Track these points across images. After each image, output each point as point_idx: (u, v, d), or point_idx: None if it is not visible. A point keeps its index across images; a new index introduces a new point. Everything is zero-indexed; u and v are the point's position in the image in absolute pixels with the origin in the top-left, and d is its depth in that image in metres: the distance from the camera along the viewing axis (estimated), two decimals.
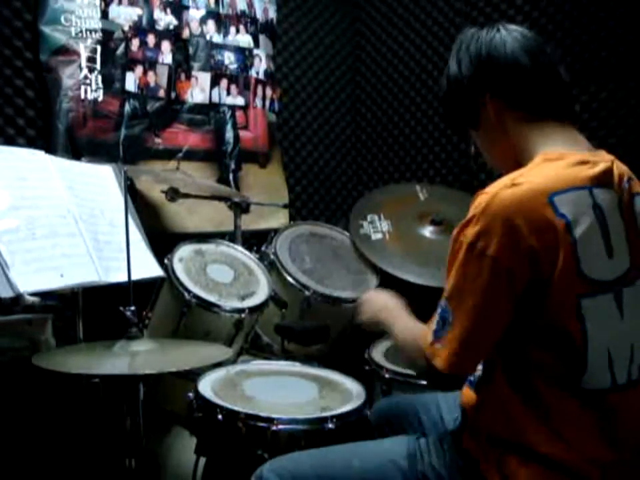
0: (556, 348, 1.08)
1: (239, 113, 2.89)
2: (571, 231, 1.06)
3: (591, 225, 1.07)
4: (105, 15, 2.49)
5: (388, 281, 2.41)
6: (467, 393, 1.27)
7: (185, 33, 2.71)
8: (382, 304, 1.46)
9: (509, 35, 1.22)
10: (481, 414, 1.19)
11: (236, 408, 1.47)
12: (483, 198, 1.10)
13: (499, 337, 1.12)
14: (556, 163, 1.13)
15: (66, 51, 2.41)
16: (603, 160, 1.16)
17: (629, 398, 1.12)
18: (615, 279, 1.09)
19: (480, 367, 1.24)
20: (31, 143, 2.37)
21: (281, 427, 1.43)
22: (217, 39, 2.80)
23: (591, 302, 1.07)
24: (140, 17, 2.58)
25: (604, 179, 1.12)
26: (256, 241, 2.58)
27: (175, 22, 2.68)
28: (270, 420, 1.43)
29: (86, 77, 2.45)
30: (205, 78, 2.77)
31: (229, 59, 2.84)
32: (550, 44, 1.27)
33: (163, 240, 2.15)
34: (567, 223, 1.05)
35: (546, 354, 1.09)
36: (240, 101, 2.89)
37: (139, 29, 2.58)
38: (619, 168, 1.17)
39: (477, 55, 1.22)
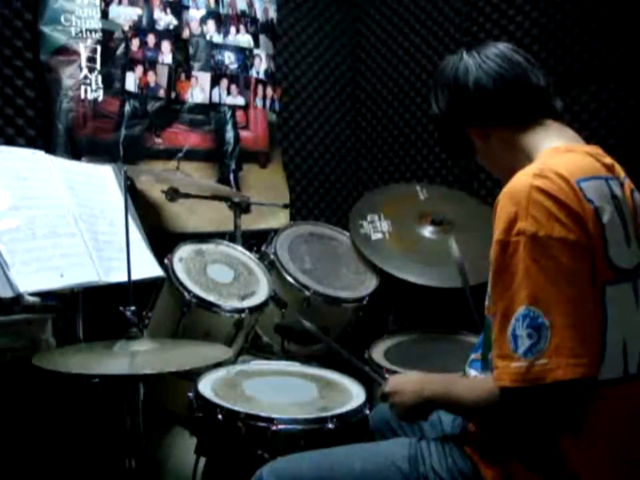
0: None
1: (239, 113, 2.89)
2: (599, 216, 1.05)
3: (612, 213, 1.07)
4: (105, 14, 2.49)
5: (388, 281, 2.41)
6: None
7: (185, 33, 2.71)
8: (416, 382, 1.28)
9: (472, 60, 1.23)
10: (485, 428, 1.18)
11: (236, 408, 1.47)
12: (516, 192, 1.05)
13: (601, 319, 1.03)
14: (570, 154, 1.14)
15: (66, 51, 2.41)
16: (605, 154, 1.17)
17: (637, 388, 1.10)
18: (633, 268, 1.09)
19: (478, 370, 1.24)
20: (31, 143, 2.37)
21: (280, 426, 1.42)
22: (217, 38, 2.80)
23: (614, 290, 1.05)
24: (140, 17, 2.58)
25: (613, 173, 1.14)
26: (256, 241, 2.58)
27: (174, 22, 2.68)
28: (270, 420, 1.43)
29: (86, 77, 2.45)
30: (205, 78, 2.77)
31: (229, 58, 2.84)
32: (521, 47, 1.28)
33: (163, 240, 2.15)
34: (595, 208, 1.05)
35: None
36: (240, 100, 2.89)
37: (139, 29, 2.58)
38: (618, 166, 1.19)
39: (447, 89, 1.25)
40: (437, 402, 1.21)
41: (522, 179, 1.07)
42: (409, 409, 1.25)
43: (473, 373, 1.30)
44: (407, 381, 1.30)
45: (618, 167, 1.18)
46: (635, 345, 1.09)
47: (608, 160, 1.15)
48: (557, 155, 1.14)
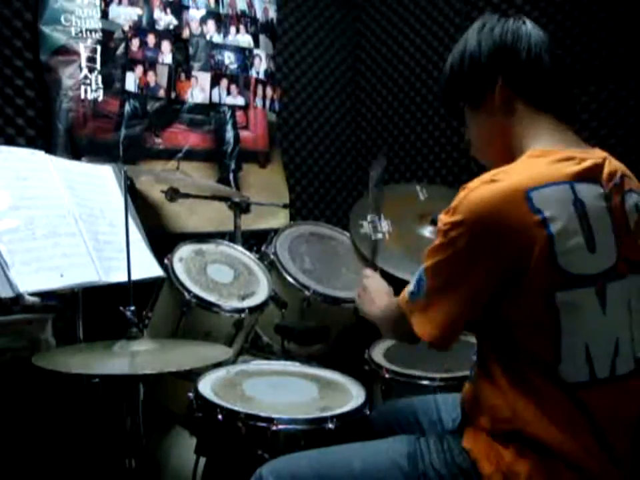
0: (533, 338, 1.10)
1: (239, 113, 2.89)
2: (547, 226, 1.06)
3: (569, 220, 1.08)
4: (105, 14, 2.49)
5: (388, 281, 2.41)
6: (468, 389, 1.27)
7: (185, 33, 2.71)
8: (376, 293, 1.58)
9: (535, 31, 1.24)
10: (481, 408, 1.19)
11: (236, 408, 1.47)
12: (462, 192, 1.13)
13: (469, 320, 1.17)
14: (538, 160, 1.15)
15: (66, 51, 2.41)
16: (592, 157, 1.17)
17: (616, 392, 1.12)
18: (598, 274, 1.10)
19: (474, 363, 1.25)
20: (31, 143, 2.37)
21: (281, 426, 1.42)
22: (217, 38, 2.80)
23: (565, 295, 1.07)
24: (140, 17, 2.58)
25: (589, 175, 1.13)
26: (256, 241, 2.58)
27: (174, 22, 2.68)
28: (270, 420, 1.43)
29: (86, 77, 2.45)
30: (205, 78, 2.77)
31: (229, 58, 2.84)
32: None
33: (163, 240, 2.15)
34: (543, 219, 1.06)
35: (527, 343, 1.11)
36: (240, 100, 2.89)
37: (139, 29, 2.58)
38: (612, 165, 1.18)
39: (501, 40, 1.23)
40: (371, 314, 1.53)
41: (477, 181, 1.13)
42: (362, 309, 1.60)
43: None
44: (375, 290, 1.60)
45: (610, 168, 1.17)
46: (602, 350, 1.10)
47: (588, 162, 1.14)
48: (525, 161, 1.17)
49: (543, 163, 1.14)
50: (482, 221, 1.08)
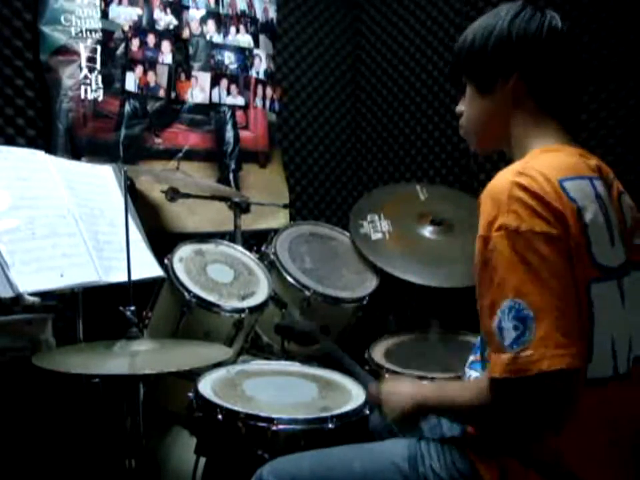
0: None
1: (239, 113, 2.89)
2: (581, 215, 1.06)
3: (596, 213, 1.08)
4: (105, 14, 2.49)
5: (388, 281, 2.41)
6: None
7: (185, 33, 2.71)
8: (409, 386, 1.29)
9: (565, 36, 1.21)
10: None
11: (236, 408, 1.47)
12: (498, 189, 1.07)
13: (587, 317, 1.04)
14: (557, 153, 1.15)
15: (66, 51, 2.41)
16: (593, 157, 1.18)
17: (626, 388, 1.11)
18: (618, 267, 1.10)
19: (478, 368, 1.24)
20: (31, 143, 2.36)
21: (281, 426, 1.42)
22: (217, 38, 2.80)
23: (599, 287, 1.06)
24: (140, 17, 2.58)
25: (598, 173, 1.15)
26: (256, 241, 2.58)
27: (175, 22, 2.68)
28: (270, 420, 1.43)
29: (86, 77, 2.45)
30: (205, 78, 2.77)
31: (229, 58, 2.84)
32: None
33: (163, 240, 2.15)
34: (578, 208, 1.06)
35: None
36: (240, 100, 2.89)
37: (139, 29, 2.58)
38: (606, 167, 1.20)
39: (534, 35, 1.19)
40: (429, 404, 1.21)
41: (504, 177, 1.08)
42: (401, 412, 1.24)
43: (473, 374, 1.30)
44: (400, 384, 1.31)
45: (605, 169, 1.18)
46: (623, 344, 1.10)
47: (593, 161, 1.16)
48: (544, 154, 1.15)
49: (562, 156, 1.14)
50: (541, 199, 1.03)
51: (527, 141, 1.21)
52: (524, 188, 1.04)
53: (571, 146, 1.19)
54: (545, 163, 1.10)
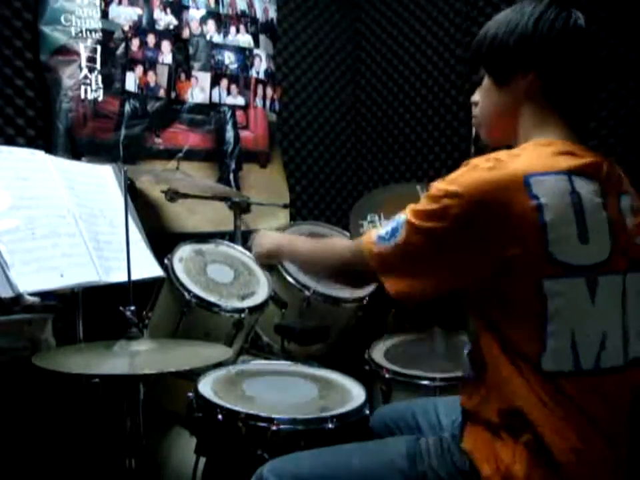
0: (517, 326, 1.10)
1: (239, 113, 2.89)
2: (541, 212, 1.07)
3: (565, 210, 1.08)
4: (105, 14, 2.49)
5: None
6: (463, 384, 1.27)
7: (185, 33, 2.71)
8: (277, 234, 1.56)
9: (588, 38, 1.22)
10: (483, 404, 1.18)
11: (236, 408, 1.47)
12: (465, 167, 1.13)
13: (440, 293, 1.17)
14: (543, 148, 1.15)
15: (66, 51, 2.41)
16: (591, 155, 1.17)
17: (602, 384, 1.11)
18: (590, 265, 1.10)
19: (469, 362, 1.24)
20: (31, 143, 2.37)
21: (281, 426, 1.42)
22: (217, 38, 2.80)
23: (554, 284, 1.08)
24: (140, 17, 2.58)
25: (587, 170, 1.13)
26: None
27: (174, 22, 2.68)
28: (270, 420, 1.43)
29: (86, 77, 2.45)
30: (205, 78, 2.77)
31: (229, 58, 2.84)
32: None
33: (163, 240, 2.15)
34: (538, 205, 1.07)
35: (512, 331, 1.11)
36: (240, 100, 2.89)
37: (139, 29, 2.58)
38: (611, 166, 1.19)
39: (557, 38, 1.20)
40: (286, 247, 1.47)
41: (481, 160, 1.12)
42: (263, 249, 1.53)
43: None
44: (273, 232, 1.56)
45: (607, 168, 1.17)
46: (588, 340, 1.10)
47: (587, 159, 1.15)
48: (529, 147, 1.16)
49: (545, 152, 1.14)
50: (479, 199, 1.08)
51: (529, 135, 1.22)
52: (480, 179, 1.09)
53: (567, 141, 1.19)
54: (524, 157, 1.12)
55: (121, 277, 1.68)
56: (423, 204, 1.14)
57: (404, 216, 1.16)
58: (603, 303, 1.11)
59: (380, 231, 1.19)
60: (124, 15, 2.54)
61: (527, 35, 1.21)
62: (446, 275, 1.14)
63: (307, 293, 2.24)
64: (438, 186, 1.13)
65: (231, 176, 2.87)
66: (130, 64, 2.56)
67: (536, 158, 1.12)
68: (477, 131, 1.35)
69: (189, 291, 1.99)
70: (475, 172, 1.10)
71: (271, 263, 1.59)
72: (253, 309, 2.06)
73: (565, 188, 1.10)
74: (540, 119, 1.22)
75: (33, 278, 1.57)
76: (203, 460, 1.61)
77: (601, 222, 1.12)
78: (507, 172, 1.09)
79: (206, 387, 1.60)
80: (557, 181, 1.10)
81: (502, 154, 1.13)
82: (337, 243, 1.40)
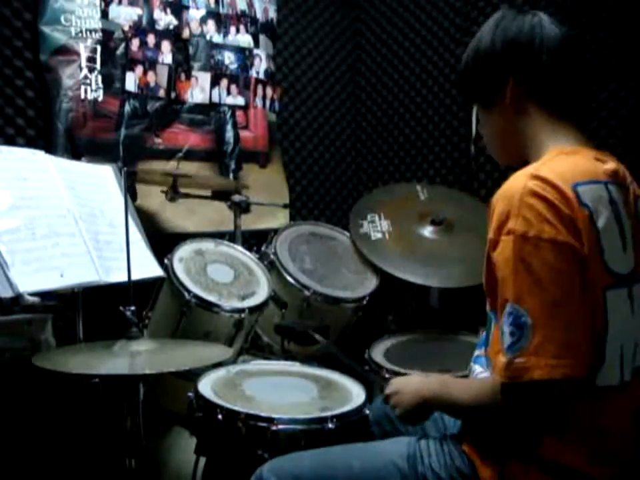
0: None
1: (239, 113, 2.89)
2: (593, 221, 1.05)
3: (609, 218, 1.07)
4: (104, 14, 2.49)
5: (388, 281, 2.41)
6: None
7: (185, 33, 2.71)
8: (416, 383, 1.30)
9: (552, 29, 1.20)
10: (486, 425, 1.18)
11: (236, 408, 1.47)
12: (510, 192, 1.05)
13: (590, 323, 1.03)
14: (573, 157, 1.13)
15: (66, 51, 2.41)
16: (611, 159, 1.17)
17: (625, 397, 1.11)
18: (628, 274, 1.09)
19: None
20: (31, 143, 2.37)
21: (281, 426, 1.42)
22: (217, 38, 2.80)
23: (613, 294, 1.06)
24: (140, 17, 2.58)
25: (615, 178, 1.13)
26: (256, 241, 2.58)
27: (174, 22, 2.68)
28: (270, 420, 1.43)
29: (86, 77, 2.45)
30: (205, 78, 2.77)
31: (229, 58, 2.84)
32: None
33: (163, 240, 2.15)
34: (590, 213, 1.05)
35: None
36: (240, 100, 2.89)
37: (139, 29, 2.58)
38: (625, 171, 1.18)
39: (515, 38, 1.19)
40: (435, 402, 1.22)
41: (518, 180, 1.07)
42: (409, 409, 1.26)
43: (477, 369, 1.30)
44: (407, 382, 1.32)
45: (624, 173, 1.17)
46: (629, 353, 1.10)
47: (611, 165, 1.14)
48: (560, 156, 1.13)
49: (579, 160, 1.12)
50: (552, 205, 1.02)
51: (540, 142, 1.19)
52: (535, 193, 1.03)
53: (587, 148, 1.18)
54: (560, 166, 1.09)
55: (121, 277, 1.68)
56: (508, 267, 1.01)
57: (509, 303, 1.01)
58: (638, 312, 1.10)
59: (504, 345, 1.02)
60: (124, 15, 2.54)
61: (488, 50, 1.21)
62: (580, 304, 1.02)
63: (306, 292, 2.24)
64: (510, 228, 1.02)
65: (231, 176, 2.88)
66: (130, 64, 2.56)
67: (573, 166, 1.10)
68: (476, 131, 1.34)
69: (189, 291, 1.99)
70: (526, 193, 1.03)
71: (419, 421, 1.31)
72: (252, 309, 2.06)
73: (605, 196, 1.09)
74: (542, 124, 1.19)
75: (32, 278, 1.57)
76: (203, 460, 1.61)
77: (629, 230, 1.11)
78: (555, 182, 1.04)
79: (206, 387, 1.60)
80: (598, 189, 1.08)
81: (535, 166, 1.09)
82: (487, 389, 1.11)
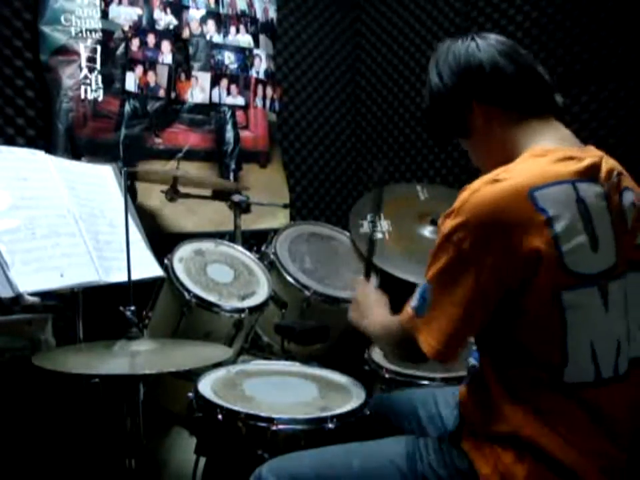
0: (538, 340, 1.10)
1: (239, 113, 2.89)
2: (552, 225, 1.06)
3: (573, 219, 1.08)
4: (105, 15, 2.49)
5: (388, 281, 2.41)
6: (463, 392, 1.27)
7: (185, 33, 2.71)
8: (368, 308, 1.49)
9: (484, 42, 1.25)
10: (477, 412, 1.19)
11: (236, 408, 1.47)
12: (465, 193, 1.12)
13: (477, 329, 1.15)
14: (540, 159, 1.15)
15: (66, 51, 2.41)
16: (590, 155, 1.17)
17: (619, 391, 1.12)
18: (600, 273, 1.10)
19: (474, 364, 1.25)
20: (31, 143, 2.37)
21: (281, 426, 1.42)
22: (217, 38, 2.81)
23: (572, 295, 1.08)
24: (140, 17, 2.58)
25: (589, 173, 1.13)
26: (256, 241, 2.58)
27: (174, 22, 2.68)
28: (270, 420, 1.43)
29: (86, 77, 2.45)
30: (205, 78, 2.77)
31: (229, 58, 2.84)
32: (522, 46, 1.29)
33: (162, 240, 2.15)
34: (548, 218, 1.06)
35: (529, 348, 1.11)
36: (240, 100, 2.89)
37: (139, 29, 2.58)
38: (609, 163, 1.18)
39: (456, 64, 1.25)
40: (364, 326, 1.46)
41: (479, 181, 1.12)
42: (352, 322, 1.52)
43: (471, 361, 1.31)
44: (364, 301, 1.53)
45: (609, 167, 1.16)
46: (606, 349, 1.10)
47: (587, 161, 1.14)
48: (527, 160, 1.16)
49: (544, 162, 1.13)
50: (487, 222, 1.07)
51: (520, 145, 1.21)
52: (482, 199, 1.09)
53: (564, 145, 1.19)
54: (523, 170, 1.12)
55: (121, 277, 1.68)
56: (437, 249, 1.13)
57: (426, 279, 1.17)
58: (614, 309, 1.11)
59: (412, 303, 1.21)
60: (124, 15, 2.54)
61: (442, 88, 1.26)
62: (478, 306, 1.11)
63: (306, 292, 2.24)
64: (445, 223, 1.12)
65: (231, 176, 2.88)
66: (130, 64, 2.56)
67: (536, 170, 1.11)
68: None
69: (189, 291, 1.99)
70: (476, 195, 1.09)
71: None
72: (252, 309, 2.06)
73: (571, 196, 1.09)
74: (520, 128, 1.22)
75: (33, 278, 1.57)
76: (203, 460, 1.61)
77: (606, 227, 1.11)
78: (510, 187, 1.08)
79: (206, 387, 1.60)
80: (562, 190, 1.09)
81: (498, 172, 1.13)
82: (390, 324, 1.33)
